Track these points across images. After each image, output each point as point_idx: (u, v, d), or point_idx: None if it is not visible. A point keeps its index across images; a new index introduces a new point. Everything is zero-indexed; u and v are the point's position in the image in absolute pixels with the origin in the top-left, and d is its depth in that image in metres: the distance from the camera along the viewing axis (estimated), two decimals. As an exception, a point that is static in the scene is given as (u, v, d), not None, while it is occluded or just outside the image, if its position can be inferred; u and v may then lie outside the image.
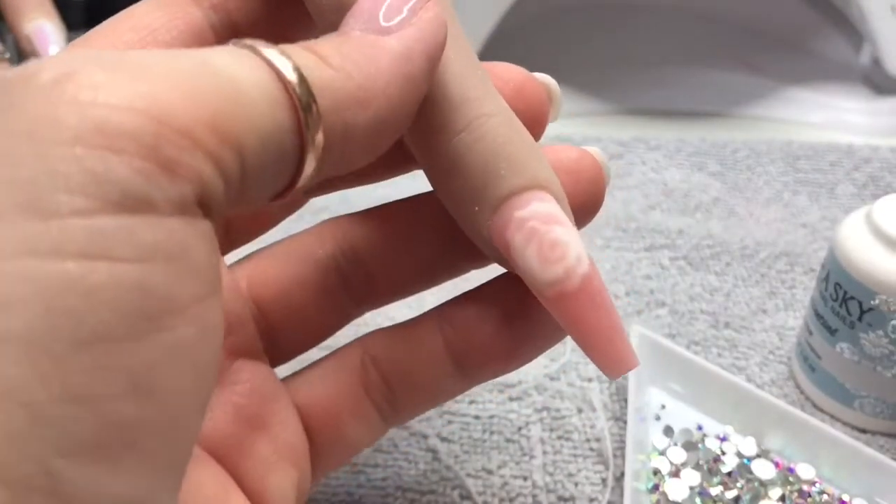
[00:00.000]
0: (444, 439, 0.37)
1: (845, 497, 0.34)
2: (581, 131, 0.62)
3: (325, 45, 0.18)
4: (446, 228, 0.24)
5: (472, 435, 0.37)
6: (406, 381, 0.25)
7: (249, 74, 0.16)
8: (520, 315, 0.24)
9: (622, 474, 0.35)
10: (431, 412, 0.37)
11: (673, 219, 0.53)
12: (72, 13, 0.55)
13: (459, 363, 0.25)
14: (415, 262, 0.26)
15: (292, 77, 0.17)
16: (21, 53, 0.49)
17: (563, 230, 0.21)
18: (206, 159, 0.15)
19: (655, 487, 0.34)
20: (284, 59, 0.17)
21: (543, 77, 0.25)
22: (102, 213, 0.14)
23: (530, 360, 0.25)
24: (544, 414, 0.38)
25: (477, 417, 0.38)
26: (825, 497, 0.34)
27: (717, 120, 0.66)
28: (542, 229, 0.21)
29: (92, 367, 0.13)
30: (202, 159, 0.15)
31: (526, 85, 0.24)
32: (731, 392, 0.37)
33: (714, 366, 0.38)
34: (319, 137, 0.17)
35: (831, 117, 0.66)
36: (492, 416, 0.38)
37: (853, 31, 0.70)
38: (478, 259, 0.25)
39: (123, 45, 0.22)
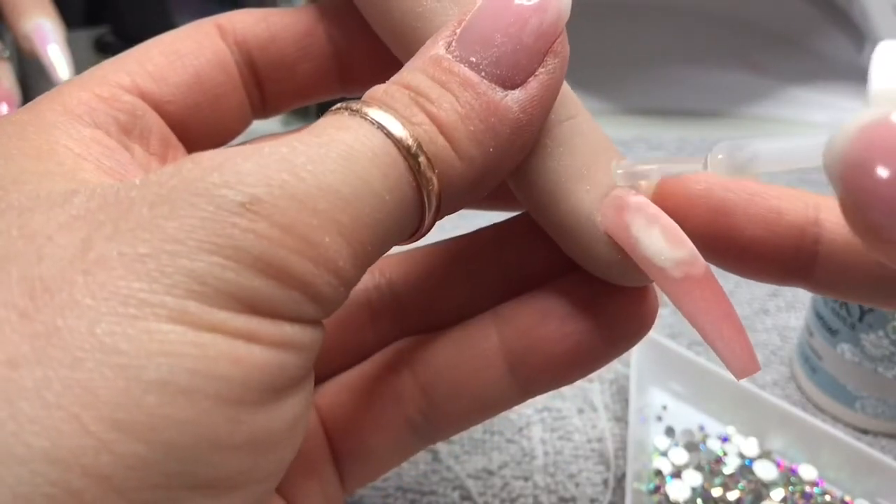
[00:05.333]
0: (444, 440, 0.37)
1: (847, 498, 0.34)
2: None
3: (451, 113, 0.19)
4: (482, 272, 0.24)
5: (473, 435, 0.37)
6: (449, 388, 0.23)
7: (397, 193, 0.18)
8: (588, 315, 0.22)
9: (623, 475, 0.35)
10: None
11: (674, 218, 0.52)
12: (71, 11, 0.55)
13: (515, 368, 0.23)
14: (448, 303, 0.25)
15: (433, 186, 0.19)
16: (20, 52, 0.49)
17: (677, 226, 0.20)
18: (347, 288, 0.18)
19: (657, 488, 0.34)
20: (430, 171, 0.18)
21: None
22: (252, 314, 0.16)
23: (595, 366, 0.23)
24: (545, 414, 0.38)
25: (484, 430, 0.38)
26: (827, 498, 0.34)
27: (719, 119, 0.66)
28: (663, 216, 0.20)
29: (224, 421, 0.16)
30: (343, 291, 0.18)
31: None
32: (733, 393, 0.37)
33: (715, 366, 0.38)
34: (432, 219, 0.19)
35: (833, 117, 0.66)
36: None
37: (855, 30, 0.69)
38: (531, 284, 0.24)
39: (153, 67, 0.22)
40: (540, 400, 0.39)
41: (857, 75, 0.70)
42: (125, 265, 0.15)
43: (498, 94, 0.19)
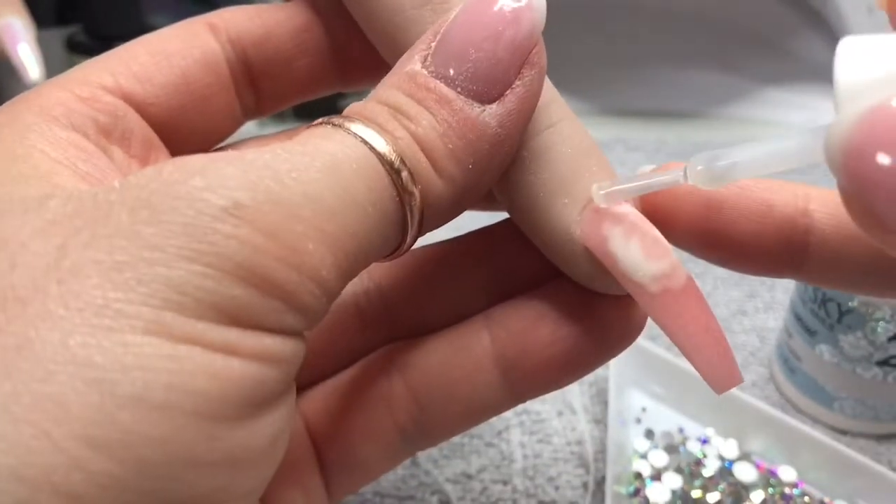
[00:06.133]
0: (423, 444, 0.36)
1: (826, 499, 0.34)
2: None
3: (430, 131, 0.18)
4: (472, 275, 0.24)
5: (451, 439, 0.37)
6: (440, 393, 0.23)
7: (380, 206, 0.18)
8: (580, 318, 0.22)
9: (603, 478, 0.35)
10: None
11: (652, 219, 0.52)
12: (42, 10, 0.54)
13: (507, 372, 0.22)
14: (438, 306, 0.24)
15: (416, 201, 0.18)
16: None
17: (659, 233, 0.20)
18: (329, 300, 0.17)
19: (637, 491, 0.34)
20: (412, 185, 0.18)
21: None
22: (232, 325, 0.16)
23: (586, 371, 0.23)
24: (524, 417, 0.38)
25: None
26: (806, 499, 0.34)
27: (697, 120, 0.66)
28: (644, 226, 0.20)
29: (200, 438, 0.15)
30: (325, 302, 0.17)
31: None
32: (712, 394, 0.37)
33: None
34: (414, 234, 0.19)
35: (810, 118, 0.66)
36: (471, 420, 0.38)
37: (830, 31, 0.70)
38: (517, 290, 0.24)
39: (138, 67, 0.22)
40: (519, 403, 0.38)
41: (831, 76, 0.70)
42: (101, 273, 0.15)
43: (475, 109, 0.19)
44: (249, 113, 0.25)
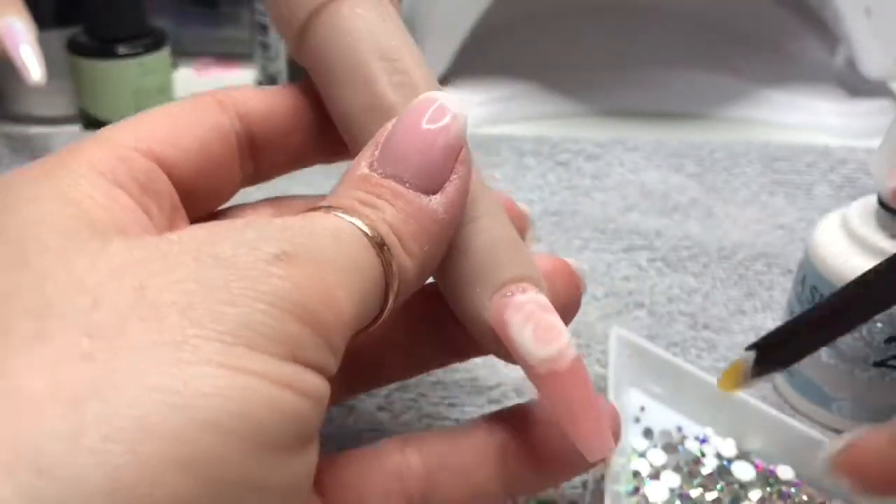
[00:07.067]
0: (423, 443, 0.36)
1: (824, 498, 0.34)
2: (559, 132, 0.62)
3: (393, 217, 0.22)
4: (435, 321, 0.27)
5: (452, 438, 0.37)
6: (449, 473, 0.26)
7: (372, 277, 0.21)
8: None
9: (602, 477, 0.35)
10: (411, 415, 0.37)
11: (651, 220, 0.53)
12: (43, 11, 0.54)
13: (505, 466, 0.26)
14: (405, 353, 0.28)
15: (395, 283, 0.22)
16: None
17: (556, 318, 0.23)
18: (343, 349, 0.20)
19: (636, 490, 0.34)
20: (391, 258, 0.21)
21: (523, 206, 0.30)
22: (290, 361, 0.18)
23: (578, 470, 0.27)
24: (524, 417, 0.38)
25: (457, 421, 0.38)
26: (805, 498, 0.34)
27: (695, 121, 0.66)
28: (539, 313, 0.23)
29: (260, 465, 0.17)
30: (342, 351, 0.20)
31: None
32: (711, 394, 0.37)
33: (693, 367, 0.38)
34: (391, 307, 0.22)
35: (807, 119, 0.66)
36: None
37: (828, 33, 0.70)
38: (462, 353, 0.28)
39: (163, 132, 0.24)
40: (518, 402, 0.38)
41: (830, 77, 0.70)
42: (178, 312, 0.17)
43: (424, 199, 0.22)
44: (246, 181, 0.27)
